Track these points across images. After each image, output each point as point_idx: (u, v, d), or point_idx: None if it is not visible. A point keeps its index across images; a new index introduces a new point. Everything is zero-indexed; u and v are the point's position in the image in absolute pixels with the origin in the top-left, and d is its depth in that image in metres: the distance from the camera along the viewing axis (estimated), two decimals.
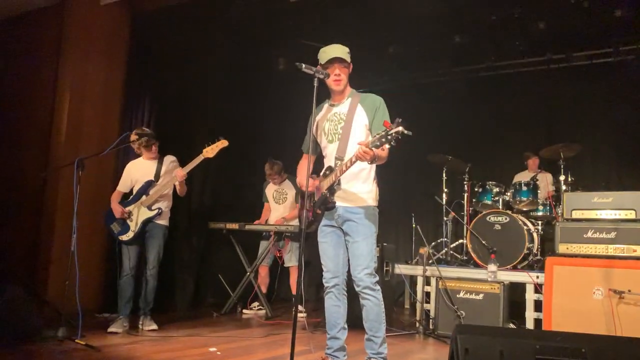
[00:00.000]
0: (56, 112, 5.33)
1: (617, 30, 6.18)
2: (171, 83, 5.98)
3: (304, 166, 3.54)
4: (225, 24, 6.23)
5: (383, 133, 2.80)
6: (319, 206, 3.32)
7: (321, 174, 3.39)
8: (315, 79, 3.15)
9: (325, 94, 3.48)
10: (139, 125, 5.54)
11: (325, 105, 3.51)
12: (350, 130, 3.31)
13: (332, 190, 3.26)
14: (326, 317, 3.45)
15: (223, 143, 4.73)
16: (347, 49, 3.35)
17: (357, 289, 3.26)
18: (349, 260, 3.38)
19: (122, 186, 4.88)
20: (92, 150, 4.93)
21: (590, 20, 5.99)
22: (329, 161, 3.39)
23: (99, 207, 5.12)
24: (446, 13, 6.09)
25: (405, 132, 2.74)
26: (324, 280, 3.44)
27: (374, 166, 3.34)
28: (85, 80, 5.43)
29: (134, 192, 4.84)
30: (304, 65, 3.10)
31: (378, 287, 3.26)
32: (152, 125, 5.57)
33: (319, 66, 3.28)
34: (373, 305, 3.23)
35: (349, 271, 3.41)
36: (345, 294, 3.44)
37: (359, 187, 3.30)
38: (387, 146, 2.84)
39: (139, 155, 4.91)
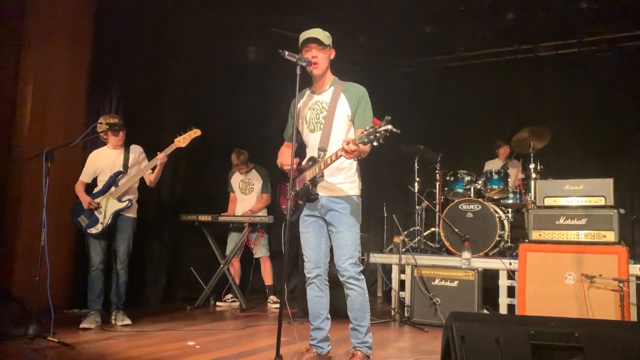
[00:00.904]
0: (18, 102, 5.08)
1: (582, 22, 6.34)
2: (140, 71, 5.81)
3: (285, 153, 3.49)
4: (194, 10, 6.08)
5: (371, 130, 2.74)
6: (301, 197, 3.29)
7: (303, 163, 3.34)
8: (298, 67, 3.10)
9: (306, 82, 3.43)
10: (107, 114, 5.36)
11: (307, 92, 3.46)
12: (332, 120, 3.27)
13: (314, 181, 3.23)
14: (309, 308, 3.43)
15: (195, 132, 4.65)
16: (327, 33, 3.30)
17: (341, 279, 3.25)
18: (331, 250, 3.37)
19: (86, 176, 4.71)
20: (57, 141, 4.72)
21: (556, 12, 6.12)
22: (311, 151, 3.35)
23: (66, 200, 4.94)
24: (416, 3, 6.13)
25: (394, 130, 2.71)
26: (305, 271, 3.41)
27: None
28: (48, 69, 5.20)
29: (99, 182, 4.69)
30: (286, 53, 3.05)
31: (362, 277, 3.25)
32: (120, 114, 5.38)
33: (300, 53, 3.23)
34: (357, 294, 3.23)
35: (330, 261, 3.41)
36: (327, 284, 3.43)
37: (342, 177, 3.28)
38: (375, 143, 2.76)
39: (104, 144, 4.76)
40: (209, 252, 5.85)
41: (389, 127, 2.69)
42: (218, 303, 5.89)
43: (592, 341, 1.97)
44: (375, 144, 2.76)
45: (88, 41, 5.57)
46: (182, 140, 4.60)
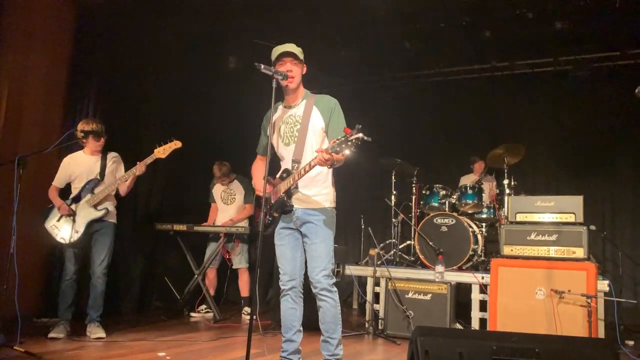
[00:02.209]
0: None
1: (557, 42, 6.48)
2: (119, 78, 5.77)
3: (259, 168, 3.53)
4: (175, 19, 6.08)
5: (343, 139, 2.80)
6: (276, 209, 3.30)
7: (277, 176, 3.36)
8: (274, 80, 3.12)
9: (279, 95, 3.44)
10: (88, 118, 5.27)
11: (280, 107, 3.48)
12: (306, 133, 3.30)
13: (289, 193, 3.24)
14: (282, 320, 3.42)
15: (176, 144, 4.60)
16: (300, 49, 3.35)
17: (314, 290, 3.26)
18: (306, 262, 3.38)
19: (59, 181, 4.60)
20: (32, 146, 4.68)
21: (532, 31, 6.26)
22: (285, 164, 3.37)
23: (39, 207, 4.84)
24: (397, 19, 6.22)
25: (365, 138, 2.76)
26: (280, 283, 3.41)
27: (331, 169, 3.35)
28: (25, 72, 5.13)
29: (74, 189, 4.59)
30: (262, 66, 3.07)
31: (335, 289, 3.26)
32: (97, 119, 5.33)
33: (273, 67, 3.25)
34: (330, 307, 3.24)
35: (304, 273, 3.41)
36: (302, 296, 3.43)
37: (317, 189, 3.30)
38: (346, 152, 2.83)
39: (80, 148, 4.66)
40: (183, 261, 5.80)
41: (360, 135, 2.76)
42: (192, 314, 5.84)
43: (552, 357, 2.01)
44: (347, 152, 2.83)
45: (67, 45, 5.53)
46: (162, 151, 4.53)
